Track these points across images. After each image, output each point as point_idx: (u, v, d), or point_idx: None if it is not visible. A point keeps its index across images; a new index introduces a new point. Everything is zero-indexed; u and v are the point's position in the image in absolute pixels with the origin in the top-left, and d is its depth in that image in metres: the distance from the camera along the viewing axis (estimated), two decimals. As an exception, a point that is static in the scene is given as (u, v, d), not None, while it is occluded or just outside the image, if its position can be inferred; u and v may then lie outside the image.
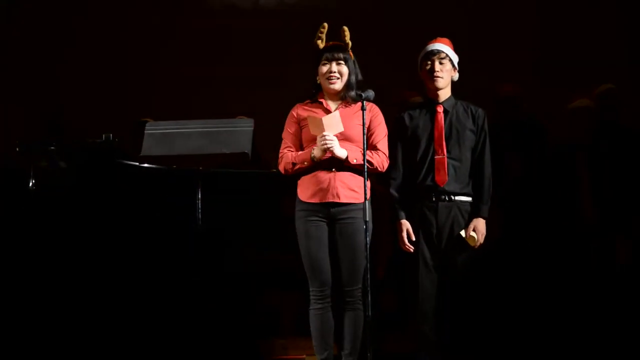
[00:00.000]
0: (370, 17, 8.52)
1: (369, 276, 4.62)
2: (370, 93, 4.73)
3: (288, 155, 4.80)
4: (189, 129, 5.06)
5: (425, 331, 4.91)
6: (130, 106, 8.22)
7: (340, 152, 4.68)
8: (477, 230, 4.90)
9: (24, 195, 5.39)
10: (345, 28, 4.82)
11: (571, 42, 8.21)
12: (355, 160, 4.69)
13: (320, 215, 4.74)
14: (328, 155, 4.69)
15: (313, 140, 4.74)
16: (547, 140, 6.64)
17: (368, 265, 4.63)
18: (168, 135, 5.04)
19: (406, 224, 4.94)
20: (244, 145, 4.97)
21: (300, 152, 4.79)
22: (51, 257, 5.27)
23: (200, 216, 4.99)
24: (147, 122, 5.36)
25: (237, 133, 5.04)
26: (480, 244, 4.90)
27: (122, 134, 6.10)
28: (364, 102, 4.67)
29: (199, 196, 5.01)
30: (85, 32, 8.81)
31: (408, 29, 7.99)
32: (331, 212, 4.73)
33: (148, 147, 5.03)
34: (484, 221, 4.93)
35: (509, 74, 7.57)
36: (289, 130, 4.85)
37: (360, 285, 4.73)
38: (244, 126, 5.09)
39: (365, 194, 4.61)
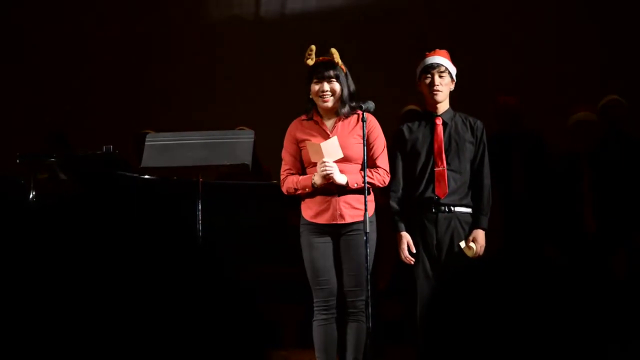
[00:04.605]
0: (370, 28, 8.53)
1: (369, 287, 4.62)
2: (371, 104, 4.72)
3: (289, 180, 4.75)
4: (190, 141, 5.05)
5: (423, 340, 4.89)
6: (131, 118, 8.24)
7: (341, 179, 4.64)
8: (476, 241, 4.89)
9: (24, 207, 5.39)
10: (333, 50, 4.75)
11: (574, 54, 8.22)
12: (356, 185, 4.67)
13: (325, 234, 4.73)
14: (328, 181, 4.65)
15: (311, 162, 4.72)
16: (547, 151, 6.64)
17: (369, 276, 4.63)
18: (168, 147, 5.03)
19: (406, 236, 4.92)
20: (245, 156, 4.95)
21: (301, 178, 4.73)
22: (49, 269, 5.26)
23: (200, 227, 4.97)
24: (147, 133, 5.36)
25: (237, 144, 5.02)
26: (479, 255, 4.89)
27: (123, 146, 6.12)
28: (364, 113, 4.67)
29: (199, 207, 4.99)
30: (89, 40, 8.84)
31: (409, 41, 8.00)
32: (336, 230, 4.72)
33: (148, 158, 5.02)
34: (483, 232, 4.92)
35: (511, 86, 7.58)
36: (288, 150, 4.81)
37: (363, 297, 4.71)
38: (245, 137, 5.07)
39: (366, 209, 4.61)
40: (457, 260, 4.87)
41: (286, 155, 4.81)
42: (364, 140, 4.66)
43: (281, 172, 4.81)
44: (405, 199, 4.99)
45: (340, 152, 4.63)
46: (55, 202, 5.47)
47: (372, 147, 4.79)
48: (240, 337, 6.21)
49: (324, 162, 4.60)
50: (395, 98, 6.80)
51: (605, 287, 5.60)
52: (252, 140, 5.03)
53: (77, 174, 5.53)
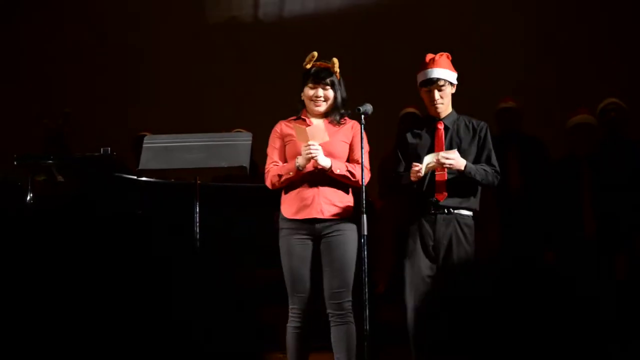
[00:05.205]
0: (368, 30, 8.53)
1: (366, 290, 4.61)
2: (368, 107, 4.73)
3: (273, 169, 4.83)
4: (188, 143, 5.05)
5: (419, 341, 4.89)
6: (129, 120, 8.24)
7: (325, 161, 4.70)
8: (449, 154, 4.83)
9: (21, 209, 5.39)
10: (335, 60, 4.80)
11: (572, 57, 8.22)
12: (338, 170, 4.73)
13: (305, 232, 4.76)
14: (312, 165, 4.71)
15: (295, 156, 4.77)
16: (546, 154, 6.64)
17: (366, 279, 4.62)
18: (166, 149, 5.02)
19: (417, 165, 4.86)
20: (242, 159, 4.96)
21: (285, 165, 4.82)
22: (47, 271, 5.27)
23: (198, 230, 4.97)
24: (145, 135, 5.36)
25: (235, 147, 5.02)
26: (439, 162, 4.80)
27: (121, 148, 6.12)
28: (362, 116, 4.69)
29: (197, 209, 4.99)
30: (87, 45, 8.85)
31: (408, 42, 8.00)
32: (316, 228, 4.75)
33: (146, 160, 5.02)
34: (463, 163, 4.86)
35: (510, 89, 7.58)
36: (273, 145, 4.89)
37: (350, 298, 4.74)
38: (243, 140, 5.07)
39: (365, 211, 4.62)
40: (455, 262, 4.87)
41: (271, 151, 4.89)
42: (361, 142, 4.72)
43: (266, 167, 4.88)
44: (406, 202, 5.00)
45: (326, 136, 4.69)
46: (52, 204, 5.48)
47: (354, 149, 4.86)
48: (237, 339, 6.16)
49: (309, 144, 4.65)
50: (394, 100, 6.79)
51: (605, 290, 5.53)
52: (250, 142, 5.03)
53: (75, 176, 5.53)
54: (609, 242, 5.77)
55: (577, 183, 5.89)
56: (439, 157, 4.80)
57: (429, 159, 4.83)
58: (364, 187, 4.68)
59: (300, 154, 4.74)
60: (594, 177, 5.88)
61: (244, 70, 8.63)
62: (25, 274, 5.28)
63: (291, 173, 4.74)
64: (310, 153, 4.66)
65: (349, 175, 4.75)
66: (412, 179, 4.86)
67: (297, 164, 4.72)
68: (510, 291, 6.30)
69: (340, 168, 4.73)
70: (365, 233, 4.61)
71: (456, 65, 5.04)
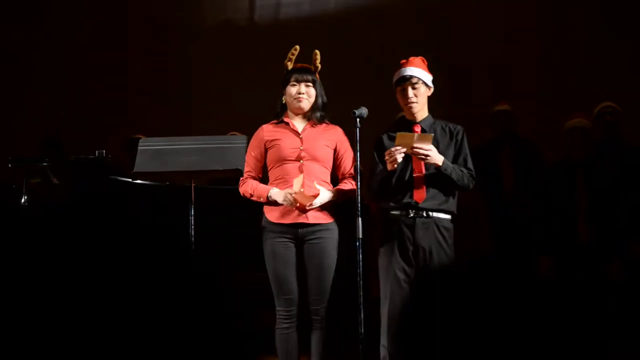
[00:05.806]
0: (363, 33, 8.53)
1: (361, 293, 4.61)
2: (364, 110, 4.73)
3: (248, 183, 4.90)
4: (182, 146, 5.07)
5: (388, 347, 4.86)
6: (125, 123, 8.24)
7: (321, 202, 4.78)
8: (425, 139, 4.79)
9: (16, 211, 5.39)
10: (317, 52, 4.87)
11: (569, 60, 8.23)
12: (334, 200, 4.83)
13: (289, 236, 4.80)
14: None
15: (279, 160, 4.85)
16: (542, 157, 6.65)
17: (361, 282, 4.62)
18: (161, 152, 5.03)
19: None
20: (237, 161, 4.97)
21: (259, 187, 4.87)
22: (41, 274, 5.27)
23: (193, 232, 4.97)
24: (140, 138, 5.35)
25: (230, 150, 5.04)
26: (413, 151, 4.78)
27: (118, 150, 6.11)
28: (357, 119, 4.70)
29: (192, 212, 4.99)
30: (86, 44, 8.85)
31: (403, 45, 7.99)
32: (299, 232, 4.79)
33: (141, 163, 5.02)
34: (441, 159, 4.84)
35: (506, 94, 7.58)
36: (251, 153, 4.94)
37: (325, 305, 4.79)
38: (237, 143, 5.09)
39: (359, 215, 4.62)
40: (434, 268, 4.85)
41: (249, 158, 4.94)
42: (357, 146, 4.69)
43: (244, 173, 4.93)
44: (385, 206, 4.99)
45: (311, 201, 4.73)
46: (47, 206, 5.48)
47: (342, 159, 4.91)
48: (233, 343, 6.16)
49: (294, 196, 4.68)
50: (389, 103, 6.78)
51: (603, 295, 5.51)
52: (245, 145, 5.05)
53: (70, 178, 5.53)
54: (604, 246, 5.77)
55: (573, 187, 5.89)
56: (414, 144, 4.77)
57: (399, 139, 4.80)
58: (359, 191, 4.69)
59: (284, 158, 4.82)
60: (589, 181, 5.88)
61: (240, 72, 8.62)
62: (20, 276, 5.27)
63: (261, 199, 4.83)
64: (291, 203, 4.72)
65: (347, 197, 4.85)
66: (389, 168, 4.86)
67: (269, 195, 4.80)
68: (503, 296, 6.30)
69: (328, 200, 4.80)
70: (361, 236, 4.61)
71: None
